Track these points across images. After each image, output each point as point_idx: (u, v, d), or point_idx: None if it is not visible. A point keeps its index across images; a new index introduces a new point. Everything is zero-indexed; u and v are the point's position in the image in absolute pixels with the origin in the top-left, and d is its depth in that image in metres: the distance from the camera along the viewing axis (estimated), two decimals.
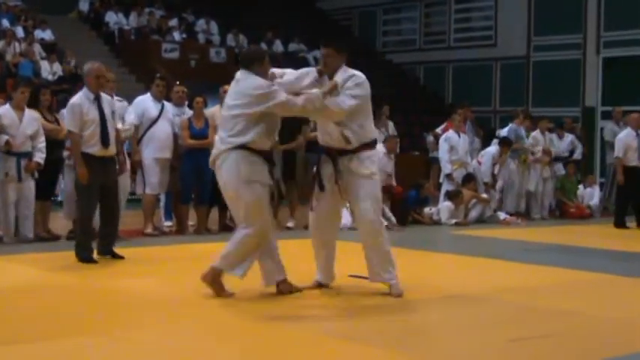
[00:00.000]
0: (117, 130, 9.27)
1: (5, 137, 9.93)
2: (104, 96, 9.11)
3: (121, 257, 8.96)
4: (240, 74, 6.95)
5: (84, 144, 8.83)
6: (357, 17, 30.43)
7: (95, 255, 8.84)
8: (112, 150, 9.02)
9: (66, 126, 9.34)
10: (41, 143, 10.14)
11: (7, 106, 10.18)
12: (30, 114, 10.15)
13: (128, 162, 10.39)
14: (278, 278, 7.08)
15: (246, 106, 6.76)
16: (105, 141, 8.86)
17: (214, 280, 6.87)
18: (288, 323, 6.17)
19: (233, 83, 7.02)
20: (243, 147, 6.74)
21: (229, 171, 6.80)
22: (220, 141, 6.94)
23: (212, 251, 9.91)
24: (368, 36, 29.78)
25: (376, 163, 7.26)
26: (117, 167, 9.23)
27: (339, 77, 7.14)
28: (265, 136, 6.85)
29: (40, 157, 10.03)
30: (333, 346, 5.52)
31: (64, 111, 11.07)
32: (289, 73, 7.25)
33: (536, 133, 16.01)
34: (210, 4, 26.29)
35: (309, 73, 7.25)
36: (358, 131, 7.07)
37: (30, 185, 10.12)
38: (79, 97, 8.94)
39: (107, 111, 8.97)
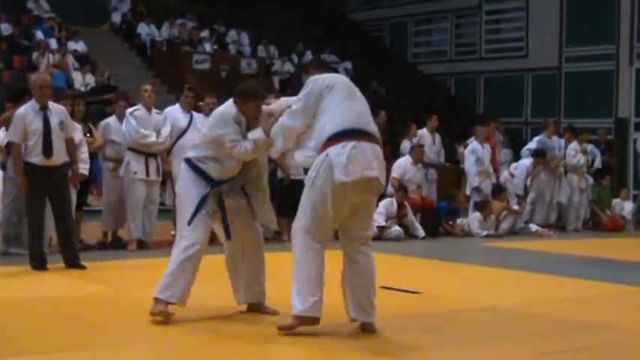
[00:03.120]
0: (69, 141, 9.25)
1: None
2: (54, 106, 9.15)
3: (83, 267, 8.98)
4: (228, 101, 6.56)
5: (28, 154, 8.92)
6: (388, 28, 30.41)
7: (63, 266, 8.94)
8: (57, 160, 9.04)
9: (7, 136, 9.43)
10: (84, 154, 10.18)
11: None
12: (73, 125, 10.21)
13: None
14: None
15: (207, 125, 6.64)
16: (47, 151, 8.92)
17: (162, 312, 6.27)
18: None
19: None
20: (190, 161, 6.49)
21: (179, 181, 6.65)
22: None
23: None
24: (399, 47, 29.75)
25: (318, 166, 5.98)
26: (68, 177, 9.25)
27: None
28: (215, 161, 6.43)
29: (83, 167, 10.08)
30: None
31: (101, 123, 11.21)
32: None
33: (573, 145, 15.91)
34: (242, 16, 26.38)
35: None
36: (315, 137, 6.11)
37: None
38: (24, 108, 9.04)
39: (54, 122, 9.01)
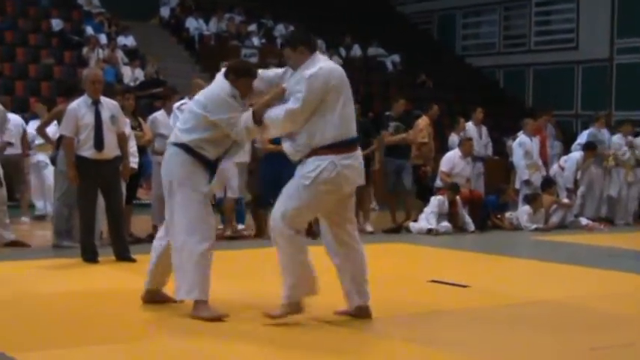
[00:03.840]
0: (121, 135, 9.34)
1: None
2: (106, 101, 9.24)
3: (134, 260, 9.05)
4: (218, 76, 6.45)
5: (79, 147, 9.03)
6: (436, 21, 30.30)
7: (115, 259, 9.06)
8: (108, 154, 9.13)
9: (60, 130, 9.56)
10: (132, 147, 10.27)
11: None
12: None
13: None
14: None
15: (201, 107, 6.34)
16: (98, 145, 9.02)
17: (204, 313, 6.19)
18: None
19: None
20: (185, 146, 6.33)
21: (168, 167, 6.50)
22: (173, 133, 6.61)
23: None
24: (447, 40, 29.64)
25: (324, 172, 5.94)
26: (119, 171, 9.35)
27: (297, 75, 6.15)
28: (212, 144, 6.33)
29: (133, 161, 10.16)
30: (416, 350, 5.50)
31: (149, 117, 11.30)
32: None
33: (617, 138, 15.71)
34: (289, 9, 26.43)
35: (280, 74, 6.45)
36: (309, 134, 6.02)
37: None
38: (77, 103, 9.13)
39: (105, 116, 9.10)
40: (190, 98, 11.05)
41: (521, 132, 15.13)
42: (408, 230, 12.86)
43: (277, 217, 6.01)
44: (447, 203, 12.89)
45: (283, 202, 6.05)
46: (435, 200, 12.88)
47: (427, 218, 12.78)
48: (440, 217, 12.84)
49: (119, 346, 5.42)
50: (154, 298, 6.65)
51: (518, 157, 14.63)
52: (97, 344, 5.43)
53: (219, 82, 6.34)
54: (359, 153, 6.15)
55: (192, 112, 6.37)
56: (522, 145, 14.60)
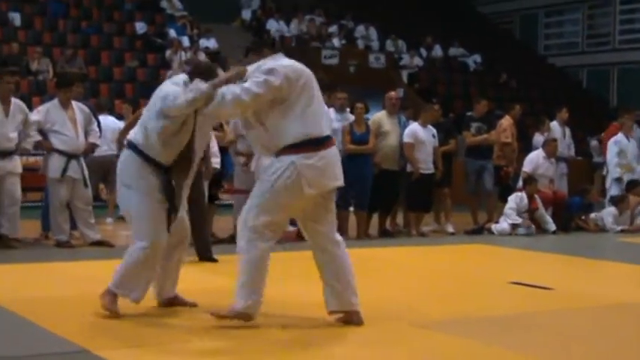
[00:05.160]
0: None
1: None
2: None
3: (215, 260, 9.10)
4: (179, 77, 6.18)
5: None
6: (518, 20, 30.00)
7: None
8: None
9: None
10: (214, 148, 10.35)
11: None
12: None
13: None
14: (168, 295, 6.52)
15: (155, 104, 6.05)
16: None
17: (110, 304, 6.06)
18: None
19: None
20: (136, 147, 6.09)
21: (120, 168, 6.23)
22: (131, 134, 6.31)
23: (372, 257, 10.02)
24: (529, 39, 29.32)
25: (283, 174, 5.69)
26: (202, 171, 9.37)
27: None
28: (167, 148, 6.02)
29: (215, 162, 10.23)
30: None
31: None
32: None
33: None
34: (370, 10, 26.42)
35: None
36: (271, 135, 5.78)
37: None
38: None
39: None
40: None
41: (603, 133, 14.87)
42: (489, 232, 12.74)
43: (241, 221, 5.82)
44: (525, 199, 12.73)
45: (248, 206, 5.82)
46: (513, 197, 12.74)
47: (507, 215, 12.65)
48: (520, 215, 12.68)
49: (190, 346, 5.46)
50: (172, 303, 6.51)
51: (611, 155, 14.38)
52: (173, 343, 5.49)
53: (177, 81, 6.12)
54: (328, 152, 5.81)
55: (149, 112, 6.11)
56: (617, 144, 14.34)
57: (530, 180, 12.97)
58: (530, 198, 12.79)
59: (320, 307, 6.00)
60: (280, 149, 5.71)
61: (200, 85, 5.77)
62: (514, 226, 12.59)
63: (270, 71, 5.68)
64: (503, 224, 12.70)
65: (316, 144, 5.75)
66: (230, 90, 5.67)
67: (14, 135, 10.03)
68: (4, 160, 10.00)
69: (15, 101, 10.15)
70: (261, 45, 6.17)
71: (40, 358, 5.07)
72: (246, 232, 5.76)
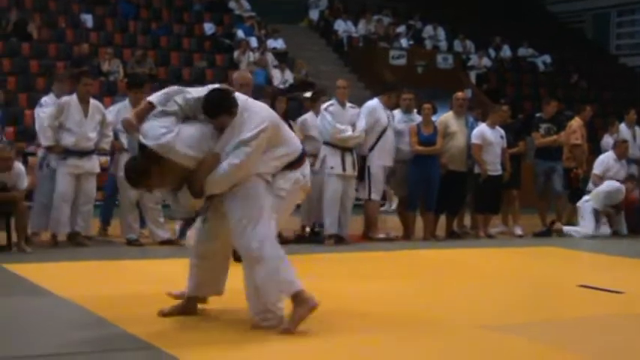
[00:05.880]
0: None
1: None
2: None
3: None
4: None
5: None
6: (589, 20, 29.60)
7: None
8: None
9: None
10: None
11: None
12: None
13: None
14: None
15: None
16: None
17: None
18: None
19: None
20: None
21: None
22: None
23: (439, 258, 9.99)
24: (601, 39, 28.91)
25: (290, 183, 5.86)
26: None
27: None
28: None
29: None
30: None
31: (299, 119, 11.45)
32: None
33: None
34: (438, 10, 26.30)
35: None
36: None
37: None
38: None
39: None
40: (337, 100, 11.17)
41: None
42: (558, 234, 12.62)
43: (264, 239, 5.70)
44: (622, 193, 12.60)
45: (259, 223, 5.68)
46: (605, 187, 12.64)
47: (586, 223, 12.54)
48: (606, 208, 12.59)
49: (267, 346, 5.49)
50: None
51: None
52: (249, 342, 5.52)
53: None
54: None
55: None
56: None
57: (632, 177, 12.82)
58: (628, 196, 12.67)
59: (384, 308, 5.97)
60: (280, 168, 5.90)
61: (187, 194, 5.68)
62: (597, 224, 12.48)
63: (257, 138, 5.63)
64: (583, 223, 12.60)
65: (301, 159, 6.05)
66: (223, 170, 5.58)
67: (93, 135, 10.25)
68: (83, 159, 10.22)
69: (93, 102, 10.37)
70: (233, 105, 5.67)
71: (112, 354, 5.14)
72: (269, 244, 5.72)
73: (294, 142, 6.01)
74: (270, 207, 5.73)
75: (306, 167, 6.04)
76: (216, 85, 5.89)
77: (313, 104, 11.71)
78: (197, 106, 5.66)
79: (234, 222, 5.69)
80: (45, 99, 10.93)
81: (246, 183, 5.67)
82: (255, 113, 5.74)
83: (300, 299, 5.69)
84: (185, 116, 5.67)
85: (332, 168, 10.94)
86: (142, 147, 5.60)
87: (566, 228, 12.75)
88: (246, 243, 5.66)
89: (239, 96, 5.80)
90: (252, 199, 5.68)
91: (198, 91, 5.74)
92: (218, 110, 5.61)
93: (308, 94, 14.16)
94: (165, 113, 5.62)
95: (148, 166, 5.55)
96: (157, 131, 5.54)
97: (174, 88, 5.82)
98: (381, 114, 11.49)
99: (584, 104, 14.51)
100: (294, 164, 5.90)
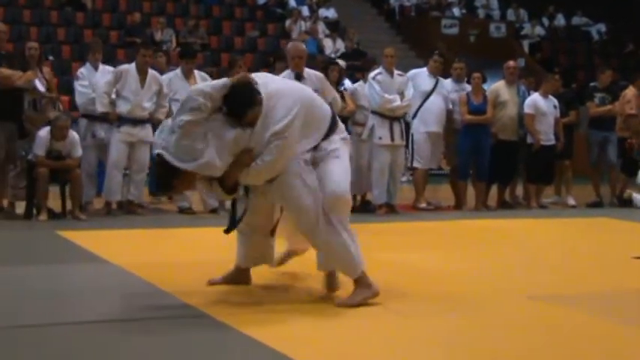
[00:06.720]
0: None
1: None
2: (310, 74, 9.00)
3: None
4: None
5: None
6: None
7: None
8: None
9: None
10: None
11: None
12: None
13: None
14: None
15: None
16: None
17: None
18: None
19: None
20: None
21: None
22: None
23: (490, 228, 9.95)
24: None
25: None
26: None
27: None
28: None
29: None
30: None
31: (349, 88, 11.41)
32: None
33: None
34: None
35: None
36: None
37: None
38: (282, 75, 8.71)
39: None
40: (385, 68, 11.13)
41: None
42: (616, 204, 12.54)
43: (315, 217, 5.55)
44: None
45: (302, 210, 5.57)
46: None
47: None
48: None
49: (313, 317, 5.52)
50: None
51: None
52: (295, 312, 5.55)
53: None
54: None
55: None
56: None
57: None
58: None
59: (431, 276, 5.95)
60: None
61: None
62: None
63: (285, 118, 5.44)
64: None
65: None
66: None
67: (148, 105, 10.33)
68: (137, 127, 10.31)
69: (151, 72, 10.43)
70: (255, 101, 5.43)
71: (164, 321, 5.17)
72: (322, 218, 5.59)
73: (325, 114, 5.77)
74: (313, 188, 5.54)
75: (340, 127, 5.85)
76: (229, 80, 5.52)
77: (364, 74, 11.69)
78: (218, 97, 5.38)
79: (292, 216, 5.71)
80: (81, 70, 10.95)
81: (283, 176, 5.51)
82: (284, 96, 5.51)
83: (364, 282, 5.67)
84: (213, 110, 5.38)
85: (380, 139, 10.90)
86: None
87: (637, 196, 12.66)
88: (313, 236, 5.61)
89: (261, 79, 5.60)
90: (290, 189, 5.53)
91: (213, 84, 5.54)
92: (243, 108, 5.37)
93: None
94: (192, 123, 5.31)
95: (175, 175, 5.39)
96: (191, 153, 5.30)
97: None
98: (423, 79, 11.47)
99: (638, 74, 14.25)
100: (329, 132, 5.72)
